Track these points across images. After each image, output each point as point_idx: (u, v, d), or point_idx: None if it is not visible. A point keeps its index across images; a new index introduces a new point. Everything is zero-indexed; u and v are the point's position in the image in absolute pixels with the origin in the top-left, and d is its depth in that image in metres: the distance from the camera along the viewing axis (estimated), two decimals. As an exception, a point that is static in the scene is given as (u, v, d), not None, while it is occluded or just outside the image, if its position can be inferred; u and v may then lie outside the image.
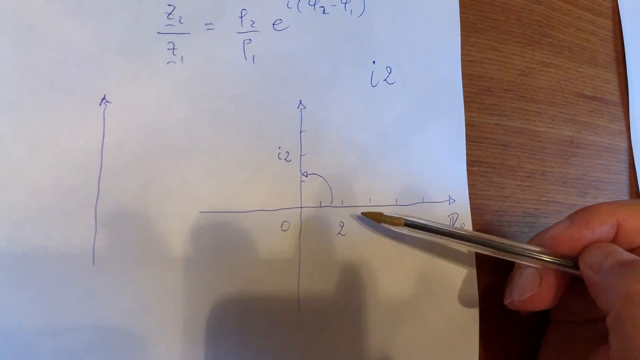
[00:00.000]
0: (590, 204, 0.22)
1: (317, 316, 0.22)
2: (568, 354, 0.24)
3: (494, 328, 0.26)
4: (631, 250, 0.21)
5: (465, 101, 0.27)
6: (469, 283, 0.25)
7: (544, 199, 0.29)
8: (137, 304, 0.20)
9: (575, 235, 0.21)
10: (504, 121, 0.28)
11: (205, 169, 0.21)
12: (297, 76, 0.23)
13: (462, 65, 0.27)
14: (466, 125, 0.27)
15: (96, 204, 0.20)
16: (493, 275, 0.26)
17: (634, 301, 0.17)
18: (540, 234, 0.25)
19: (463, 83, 0.27)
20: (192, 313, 0.20)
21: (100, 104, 0.20)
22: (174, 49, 0.21)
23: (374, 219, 0.23)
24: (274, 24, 0.23)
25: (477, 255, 0.26)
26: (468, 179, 0.26)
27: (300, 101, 0.23)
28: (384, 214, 0.23)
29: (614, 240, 0.22)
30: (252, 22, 0.23)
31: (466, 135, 0.27)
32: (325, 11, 0.24)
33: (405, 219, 0.22)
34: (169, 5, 0.22)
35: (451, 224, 0.25)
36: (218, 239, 0.21)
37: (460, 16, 0.27)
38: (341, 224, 0.23)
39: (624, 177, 0.33)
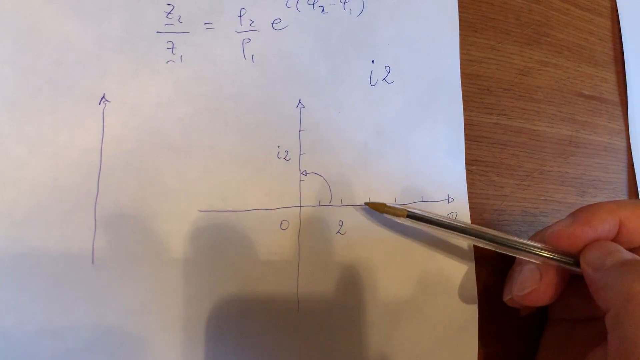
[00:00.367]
0: (589, 203, 0.23)
1: (316, 315, 0.22)
2: (566, 351, 0.24)
3: (493, 326, 0.26)
4: (632, 249, 0.21)
5: (464, 100, 0.27)
6: (468, 282, 0.25)
7: (543, 198, 0.29)
8: (136, 303, 0.20)
9: (577, 232, 0.21)
10: (502, 120, 0.28)
11: (204, 168, 0.21)
12: (296, 75, 0.23)
13: (461, 65, 0.27)
14: (465, 124, 0.27)
15: (95, 203, 0.20)
16: (492, 274, 0.26)
17: (634, 301, 0.17)
18: (542, 231, 0.25)
19: (462, 82, 0.27)
20: (191, 312, 0.20)
21: (99, 103, 0.20)
22: (173, 48, 0.21)
23: (377, 210, 0.23)
24: (273, 23, 0.23)
25: (476, 254, 0.26)
26: (467, 178, 0.26)
27: (300, 100, 0.23)
28: (387, 204, 0.23)
29: (616, 239, 0.22)
30: (251, 22, 0.23)
31: (465, 135, 0.27)
32: (324, 10, 0.24)
33: (408, 210, 0.23)
34: (168, 4, 0.22)
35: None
36: (217, 238, 0.21)
37: (459, 15, 0.27)
38: (340, 223, 0.23)
39: (623, 176, 0.33)
